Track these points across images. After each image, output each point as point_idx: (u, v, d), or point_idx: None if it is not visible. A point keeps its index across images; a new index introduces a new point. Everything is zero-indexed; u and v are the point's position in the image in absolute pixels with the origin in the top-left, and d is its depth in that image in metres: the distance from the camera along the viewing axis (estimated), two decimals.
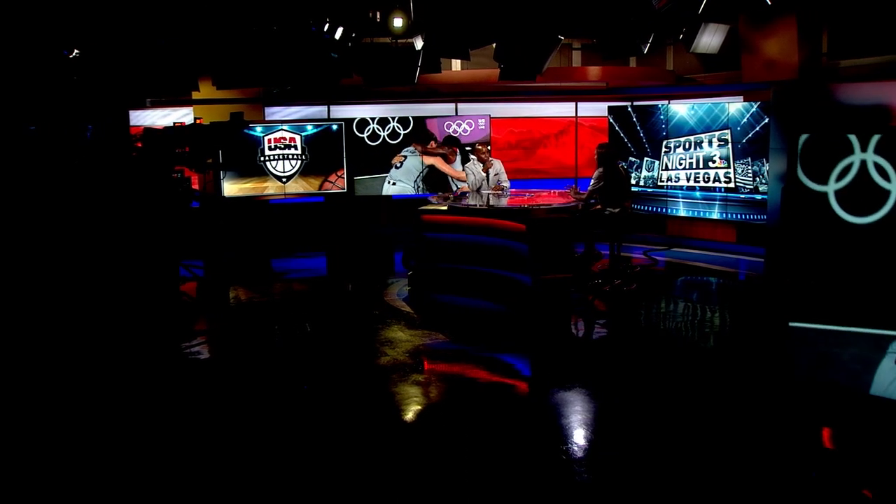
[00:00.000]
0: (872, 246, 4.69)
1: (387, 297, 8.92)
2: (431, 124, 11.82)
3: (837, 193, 4.84)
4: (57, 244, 7.27)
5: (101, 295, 7.47)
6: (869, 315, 4.71)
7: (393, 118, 11.76)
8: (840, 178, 4.83)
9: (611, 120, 11.94)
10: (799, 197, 4.96)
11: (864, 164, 4.73)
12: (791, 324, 5.02)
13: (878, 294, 4.66)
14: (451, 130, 11.81)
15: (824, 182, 4.88)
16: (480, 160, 9.83)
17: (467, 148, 11.68)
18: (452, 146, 11.83)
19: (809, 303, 4.93)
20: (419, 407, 5.72)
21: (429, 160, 11.81)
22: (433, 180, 11.84)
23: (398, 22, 8.76)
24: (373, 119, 11.76)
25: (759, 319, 7.81)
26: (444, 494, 4.34)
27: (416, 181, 11.79)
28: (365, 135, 11.70)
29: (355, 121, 11.69)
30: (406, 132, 11.77)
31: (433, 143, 11.77)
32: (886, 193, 4.65)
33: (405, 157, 11.77)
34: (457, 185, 11.66)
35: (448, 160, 11.82)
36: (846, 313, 4.80)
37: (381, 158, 11.75)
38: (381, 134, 11.73)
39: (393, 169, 11.76)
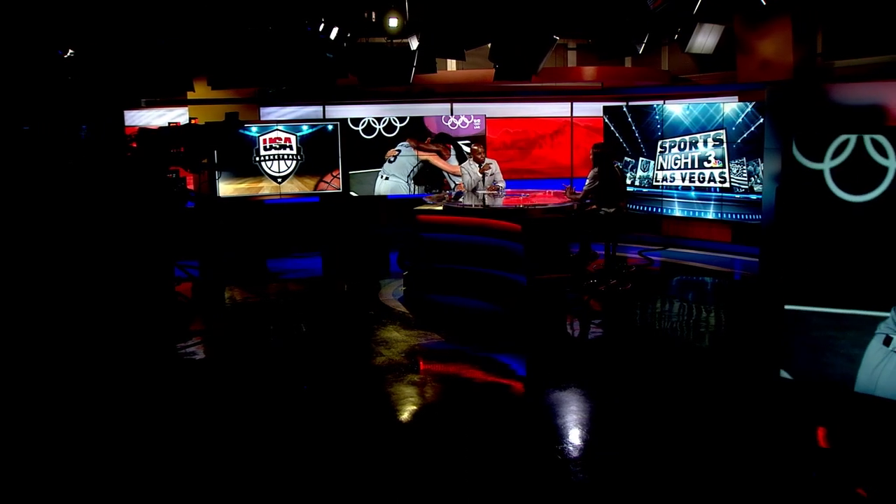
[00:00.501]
0: (869, 224, 4.65)
1: (382, 298, 8.92)
2: (429, 122, 11.83)
3: (833, 171, 4.81)
4: (51, 245, 7.25)
5: (96, 295, 7.45)
6: (864, 296, 4.69)
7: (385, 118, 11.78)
8: (836, 154, 4.80)
9: (606, 120, 11.96)
10: (794, 175, 4.92)
11: (860, 140, 4.70)
12: (787, 307, 5.00)
13: (874, 274, 4.64)
14: (449, 123, 11.82)
15: (819, 159, 4.85)
16: (476, 160, 9.83)
17: (460, 142, 11.70)
18: (446, 143, 11.85)
19: (805, 285, 4.90)
20: (415, 407, 5.72)
21: (423, 155, 11.83)
22: (428, 176, 11.85)
23: (393, 22, 8.76)
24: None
25: (754, 316, 7.82)
26: (440, 494, 4.34)
27: (408, 177, 11.79)
28: (360, 128, 11.70)
29: (353, 115, 11.72)
30: (402, 125, 11.78)
31: (428, 140, 11.79)
32: (884, 170, 4.62)
33: (399, 151, 11.78)
34: (453, 182, 11.68)
35: (442, 156, 11.84)
36: (842, 294, 4.77)
37: (377, 152, 11.77)
38: (377, 127, 11.73)
39: (386, 163, 11.77)
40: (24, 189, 7.16)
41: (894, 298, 4.57)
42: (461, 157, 11.54)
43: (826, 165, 4.82)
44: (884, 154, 4.61)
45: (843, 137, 4.75)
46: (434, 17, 9.03)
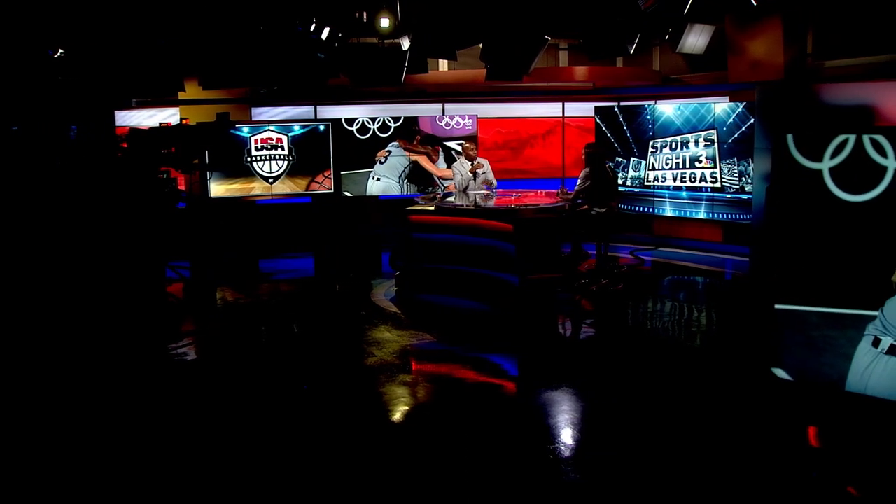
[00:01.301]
0: (868, 223, 4.66)
1: (374, 298, 8.91)
2: (423, 122, 11.83)
3: (832, 170, 4.82)
4: (41, 246, 7.22)
5: (87, 296, 7.42)
6: (859, 296, 4.70)
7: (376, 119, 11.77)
8: (835, 154, 4.81)
9: (598, 120, 11.97)
10: (792, 175, 4.93)
11: (859, 139, 4.71)
12: (779, 306, 5.00)
13: (870, 273, 4.65)
14: (443, 124, 11.81)
15: (818, 159, 4.86)
16: (469, 158, 9.81)
17: (452, 142, 11.70)
18: (434, 145, 11.84)
19: (800, 284, 4.91)
20: (406, 407, 5.72)
21: (413, 156, 11.83)
22: (418, 177, 11.85)
23: (385, 22, 8.75)
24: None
25: (745, 316, 7.85)
26: (432, 494, 4.34)
27: (400, 177, 11.79)
28: (354, 128, 11.69)
29: (344, 116, 11.72)
30: (397, 125, 11.78)
31: (418, 139, 11.78)
32: (883, 169, 4.63)
33: (389, 151, 11.77)
34: (443, 184, 11.67)
35: (431, 159, 11.83)
36: (838, 294, 4.78)
37: (372, 152, 11.76)
38: (371, 127, 11.72)
39: (377, 164, 11.76)
40: (13, 190, 7.13)
41: (882, 299, 4.59)
42: (450, 160, 11.53)
43: (825, 165, 4.84)
44: (883, 154, 4.62)
45: (841, 137, 4.76)
46: (426, 17, 9.02)
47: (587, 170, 9.21)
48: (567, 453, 4.81)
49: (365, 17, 9.17)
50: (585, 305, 8.60)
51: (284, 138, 11.18)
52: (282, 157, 11.19)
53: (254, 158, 11.11)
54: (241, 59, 9.45)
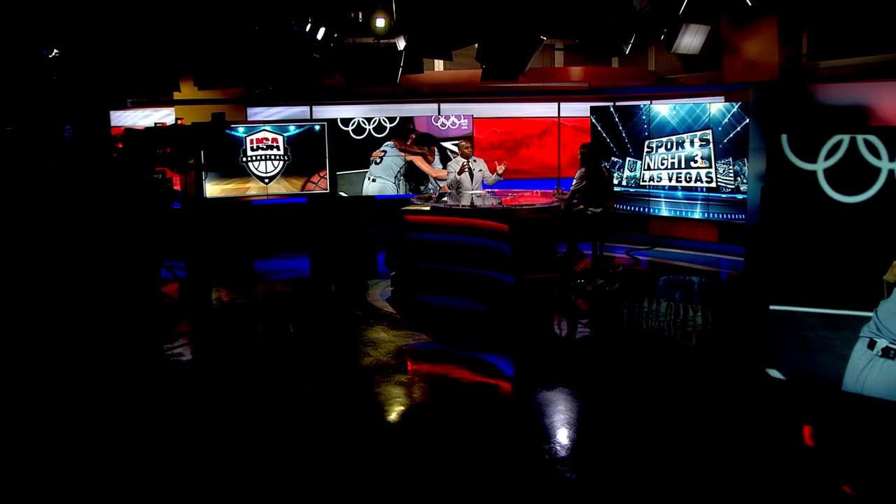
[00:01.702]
0: (862, 225, 4.67)
1: (370, 298, 8.91)
2: (419, 122, 11.82)
3: (826, 172, 4.83)
4: (35, 246, 7.20)
5: (82, 297, 7.41)
6: (853, 297, 4.71)
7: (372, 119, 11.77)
8: (829, 155, 4.82)
9: (593, 120, 11.98)
10: (787, 176, 4.93)
11: (853, 140, 4.72)
12: (773, 307, 5.01)
13: (864, 275, 4.66)
14: (439, 124, 11.81)
15: (813, 160, 4.87)
16: (464, 155, 9.78)
17: (448, 143, 11.69)
18: (430, 145, 11.82)
19: (794, 284, 4.92)
20: (402, 407, 5.71)
21: (408, 157, 11.82)
22: (413, 177, 11.85)
23: (380, 22, 8.76)
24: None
25: (740, 316, 7.86)
26: (428, 494, 4.34)
27: (395, 177, 11.78)
28: (350, 128, 11.68)
29: (339, 116, 11.71)
30: (392, 126, 11.77)
31: (412, 138, 11.77)
32: (877, 171, 4.64)
33: (384, 152, 11.75)
34: (437, 185, 11.66)
35: (427, 160, 11.82)
36: (832, 295, 4.79)
37: (367, 152, 11.75)
38: (367, 127, 11.71)
39: (373, 165, 11.75)
40: (7, 190, 7.12)
41: (876, 300, 4.60)
42: (446, 160, 11.52)
43: (819, 166, 4.84)
44: (877, 155, 4.63)
45: (836, 138, 4.77)
46: (421, 17, 9.02)
47: (583, 170, 9.22)
48: (563, 453, 4.81)
49: (360, 17, 9.18)
50: (581, 305, 8.60)
51: (280, 138, 11.17)
52: (277, 157, 11.18)
53: (249, 159, 11.11)
54: (236, 59, 9.45)
